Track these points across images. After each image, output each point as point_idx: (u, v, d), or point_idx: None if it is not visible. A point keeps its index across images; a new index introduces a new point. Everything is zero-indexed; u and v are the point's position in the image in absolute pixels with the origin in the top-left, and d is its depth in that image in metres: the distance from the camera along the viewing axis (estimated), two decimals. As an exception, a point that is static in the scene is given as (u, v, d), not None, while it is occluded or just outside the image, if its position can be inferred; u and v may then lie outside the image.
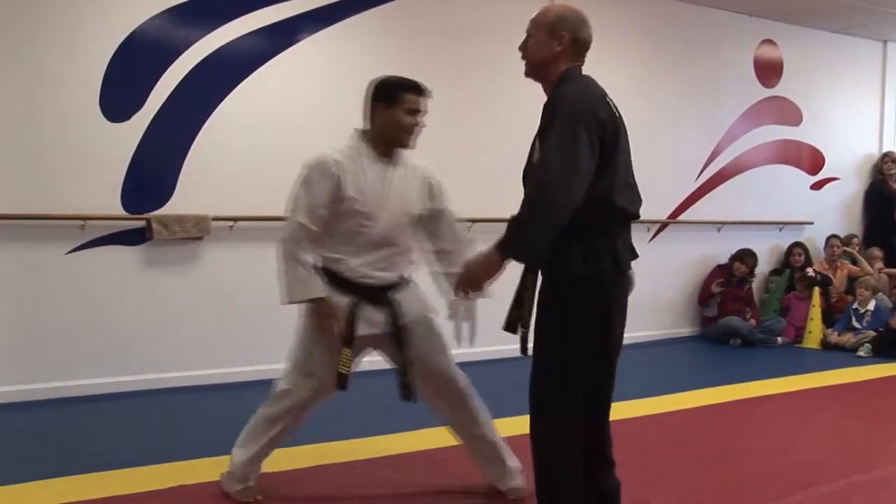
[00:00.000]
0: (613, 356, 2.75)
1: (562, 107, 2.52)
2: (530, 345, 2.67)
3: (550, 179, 2.44)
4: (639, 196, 2.77)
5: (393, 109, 3.10)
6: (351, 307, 3.10)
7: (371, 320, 3.14)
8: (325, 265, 3.14)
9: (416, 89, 3.14)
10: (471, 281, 2.63)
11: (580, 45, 2.74)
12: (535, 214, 2.46)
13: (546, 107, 2.59)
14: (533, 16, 2.75)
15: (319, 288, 3.08)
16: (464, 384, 3.24)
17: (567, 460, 2.63)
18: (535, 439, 2.66)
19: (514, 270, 2.65)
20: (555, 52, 2.67)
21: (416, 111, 3.12)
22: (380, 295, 3.15)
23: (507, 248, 2.50)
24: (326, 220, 3.08)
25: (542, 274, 2.65)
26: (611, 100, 2.66)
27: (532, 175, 2.57)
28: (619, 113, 2.65)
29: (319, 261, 3.14)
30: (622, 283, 2.73)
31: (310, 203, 3.06)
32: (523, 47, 2.76)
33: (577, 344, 2.60)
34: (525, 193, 2.53)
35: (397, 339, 3.16)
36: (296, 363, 3.23)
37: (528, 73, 2.77)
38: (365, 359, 5.83)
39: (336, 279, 3.13)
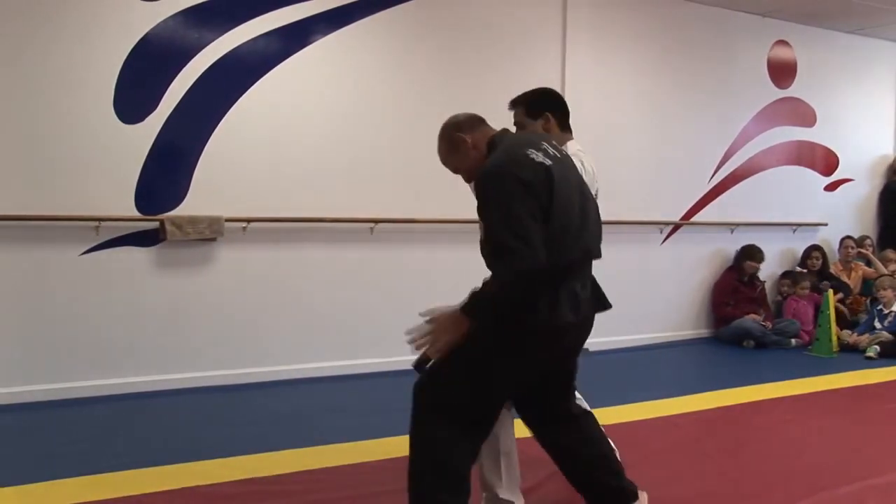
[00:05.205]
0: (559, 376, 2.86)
1: (481, 180, 2.56)
2: None
3: (504, 249, 2.45)
4: (593, 237, 2.72)
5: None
6: None
7: None
8: None
9: None
10: (437, 335, 2.60)
11: (474, 122, 2.83)
12: (501, 286, 2.49)
13: (475, 186, 2.64)
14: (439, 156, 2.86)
15: None
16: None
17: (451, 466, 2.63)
18: (427, 439, 2.64)
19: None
20: (470, 152, 2.76)
21: None
22: None
23: (473, 314, 2.54)
24: None
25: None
26: (544, 148, 2.62)
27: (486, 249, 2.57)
28: (552, 160, 2.58)
29: None
30: (565, 330, 2.65)
31: None
32: (461, 175, 2.86)
33: (492, 388, 2.65)
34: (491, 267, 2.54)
35: None
36: None
37: (470, 179, 2.83)
38: (375, 360, 5.87)
39: None
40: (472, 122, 2.83)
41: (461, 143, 2.78)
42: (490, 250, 2.53)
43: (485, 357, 2.58)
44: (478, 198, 2.57)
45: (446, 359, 2.61)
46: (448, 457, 2.61)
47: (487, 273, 2.63)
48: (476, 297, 2.57)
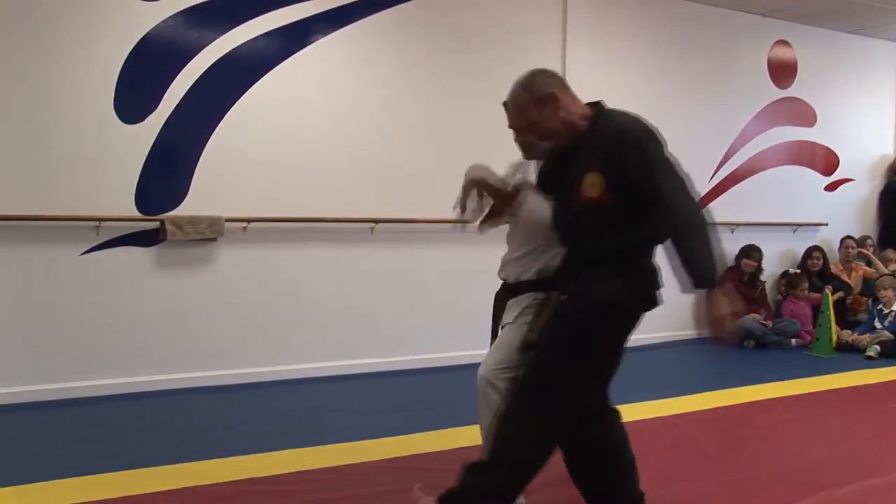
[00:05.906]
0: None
1: (641, 138, 2.52)
2: None
3: (689, 207, 2.52)
4: None
5: None
6: None
7: None
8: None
9: None
10: (719, 327, 2.50)
11: (563, 82, 2.71)
12: (701, 240, 2.50)
13: (611, 141, 2.52)
14: (509, 112, 2.70)
15: None
16: None
17: (540, 463, 2.59)
18: (517, 439, 2.56)
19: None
20: (559, 111, 2.62)
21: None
22: None
23: (707, 280, 2.47)
24: None
25: (569, 297, 2.63)
26: None
27: (665, 209, 2.51)
28: None
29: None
30: (645, 309, 2.70)
31: None
32: (526, 141, 2.70)
33: (598, 367, 2.61)
34: (676, 228, 2.52)
35: None
36: None
37: (545, 139, 2.70)
38: (375, 360, 5.86)
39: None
40: (561, 82, 2.68)
41: (551, 99, 2.60)
42: (669, 206, 2.48)
43: (601, 340, 2.55)
44: (633, 153, 2.47)
45: (557, 352, 2.54)
46: (535, 457, 2.55)
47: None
48: (700, 262, 2.46)
